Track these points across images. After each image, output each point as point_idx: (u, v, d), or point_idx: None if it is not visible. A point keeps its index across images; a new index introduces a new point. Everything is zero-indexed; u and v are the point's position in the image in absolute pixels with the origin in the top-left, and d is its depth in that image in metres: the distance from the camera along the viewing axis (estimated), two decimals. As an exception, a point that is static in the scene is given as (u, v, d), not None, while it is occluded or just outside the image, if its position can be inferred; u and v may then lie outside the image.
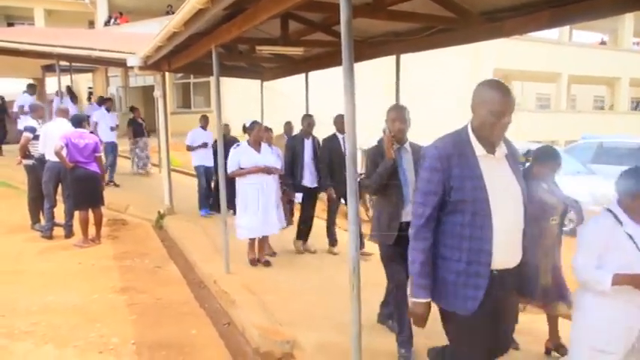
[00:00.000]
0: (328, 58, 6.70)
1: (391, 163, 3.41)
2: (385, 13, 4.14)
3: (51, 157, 6.55)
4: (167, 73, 8.20)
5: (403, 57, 5.63)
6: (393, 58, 5.72)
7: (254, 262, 5.51)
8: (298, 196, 6.41)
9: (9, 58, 11.66)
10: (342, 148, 5.61)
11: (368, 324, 3.61)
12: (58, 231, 6.85)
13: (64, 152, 6.25)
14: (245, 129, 5.50)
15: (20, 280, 5.18)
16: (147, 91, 19.25)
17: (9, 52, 10.96)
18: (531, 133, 18.45)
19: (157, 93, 8.25)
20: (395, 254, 3.38)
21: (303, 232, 6.18)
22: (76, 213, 6.50)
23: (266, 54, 6.75)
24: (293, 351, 3.67)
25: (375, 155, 3.59)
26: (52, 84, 15.04)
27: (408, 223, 2.48)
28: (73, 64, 12.67)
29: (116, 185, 10.21)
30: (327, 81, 9.71)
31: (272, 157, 5.51)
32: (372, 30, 5.39)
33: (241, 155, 5.26)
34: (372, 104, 8.74)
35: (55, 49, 9.92)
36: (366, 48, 5.68)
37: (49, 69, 14.33)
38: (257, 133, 5.36)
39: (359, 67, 2.80)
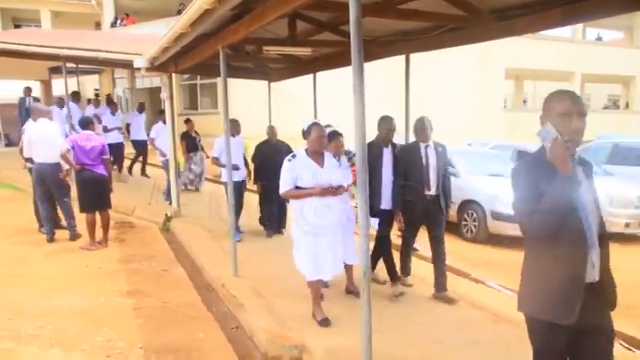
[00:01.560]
0: (336, 59, 6.65)
1: (570, 184, 2.02)
2: (394, 11, 4.08)
3: (36, 159, 6.52)
4: (174, 75, 8.18)
5: (412, 56, 5.56)
6: (401, 57, 5.66)
7: (324, 322, 4.03)
8: (373, 222, 4.79)
9: (16, 60, 11.68)
10: (424, 160, 4.67)
11: (378, 328, 3.55)
12: (65, 234, 6.83)
13: (70, 155, 6.23)
14: (304, 134, 4.16)
15: (27, 282, 5.16)
16: (153, 93, 19.28)
17: (16, 54, 10.97)
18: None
19: (164, 94, 8.23)
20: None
21: (374, 260, 4.95)
22: (84, 215, 6.48)
23: (273, 54, 6.70)
24: (302, 356, 3.62)
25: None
26: (59, 85, 15.08)
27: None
28: (80, 65, 12.66)
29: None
30: (335, 82, 9.67)
31: (339, 171, 4.17)
32: (381, 29, 5.33)
33: (299, 170, 3.96)
34: (380, 104, 8.67)
35: (61, 50, 9.92)
36: (375, 47, 5.62)
37: (55, 71, 14.39)
38: (318, 140, 4.00)
39: (366, 66, 2.74)
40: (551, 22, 3.96)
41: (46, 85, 17.77)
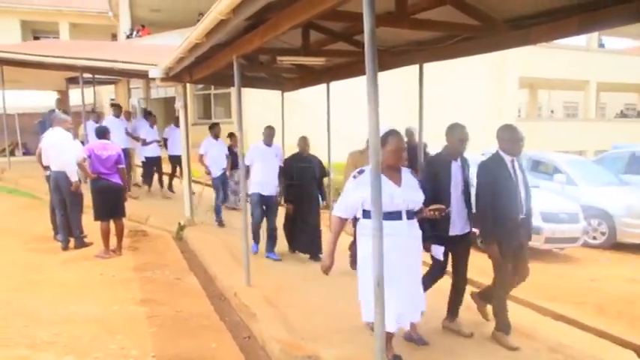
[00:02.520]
0: (350, 68, 6.66)
1: None
2: (408, 21, 4.07)
3: (52, 167, 6.63)
4: (188, 85, 8.26)
5: (425, 65, 5.55)
6: (413, 65, 5.65)
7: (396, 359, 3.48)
8: (436, 251, 3.91)
9: (34, 70, 11.93)
10: (513, 176, 3.84)
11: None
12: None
13: (86, 164, 6.31)
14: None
15: (43, 290, 5.21)
16: (168, 103, 19.49)
17: (35, 65, 11.20)
18: (558, 143, 18.06)
19: (179, 104, 8.31)
20: None
21: (455, 306, 4.17)
22: (98, 223, 6.53)
23: (287, 64, 6.74)
24: (315, 366, 3.59)
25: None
26: (76, 96, 15.32)
27: None
28: (96, 76, 12.87)
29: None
30: (348, 91, 9.69)
31: (419, 193, 3.44)
32: (394, 39, 5.33)
33: (369, 191, 2.82)
34: (392, 112, 8.66)
35: (79, 61, 10.10)
36: (389, 57, 5.61)
37: (72, 81, 14.61)
38: (397, 152, 3.28)
39: (379, 75, 2.74)
40: (567, 30, 3.92)
41: (64, 96, 18.07)
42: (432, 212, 3.43)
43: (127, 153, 9.88)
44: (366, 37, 2.63)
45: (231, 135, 9.21)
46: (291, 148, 6.97)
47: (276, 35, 4.05)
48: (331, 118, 8.04)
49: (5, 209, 9.27)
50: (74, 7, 24.32)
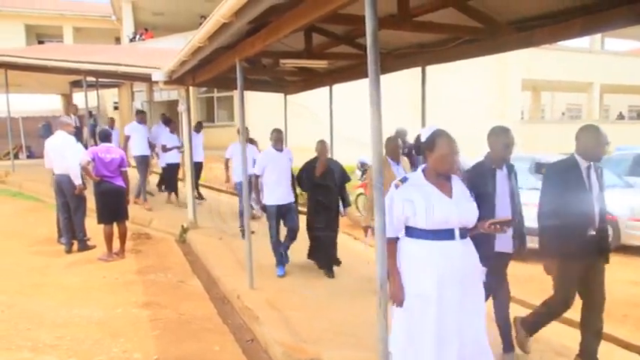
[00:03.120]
0: (352, 71, 6.67)
1: None
2: (410, 24, 4.07)
3: (55, 170, 6.67)
4: (191, 88, 8.28)
5: (428, 67, 5.55)
6: (417, 68, 5.65)
7: None
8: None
9: (38, 74, 12.01)
10: (587, 184, 3.37)
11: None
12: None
13: (90, 167, 6.33)
14: (417, 147, 2.91)
15: (46, 292, 5.22)
16: (171, 106, 19.52)
17: (39, 68, 11.27)
18: (562, 145, 18.00)
19: (182, 107, 8.32)
20: None
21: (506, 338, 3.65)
22: (101, 226, 6.55)
23: (289, 67, 6.75)
24: (318, 370, 3.58)
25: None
26: (79, 99, 15.39)
27: None
28: (100, 79, 12.94)
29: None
30: (351, 94, 9.69)
31: (472, 204, 2.78)
32: (397, 42, 5.33)
33: (414, 202, 2.65)
34: (396, 115, 8.66)
35: (82, 65, 10.15)
36: (391, 60, 5.62)
37: (76, 85, 14.70)
38: (447, 157, 2.71)
39: (382, 77, 2.74)
40: (570, 32, 3.91)
41: (67, 99, 18.17)
42: (494, 227, 2.76)
43: (147, 161, 9.78)
44: (369, 40, 2.63)
45: (251, 141, 8.25)
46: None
47: (279, 38, 4.06)
48: (334, 120, 8.05)
49: (10, 212, 9.31)
50: (78, 11, 24.47)
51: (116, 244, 6.61)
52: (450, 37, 4.91)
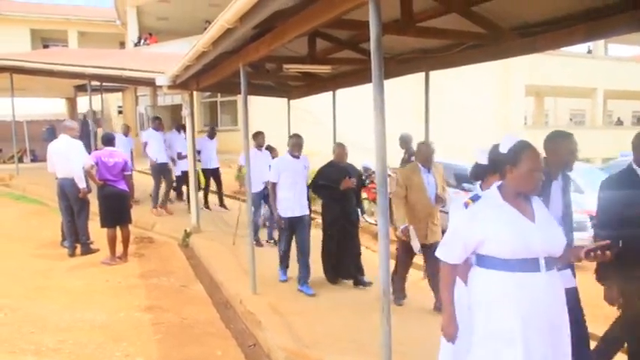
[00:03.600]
0: (356, 76, 6.68)
1: None
2: (414, 29, 4.08)
3: (58, 174, 6.68)
4: (195, 92, 8.30)
5: (431, 72, 5.56)
6: (420, 73, 5.65)
7: None
8: None
9: (43, 78, 12.07)
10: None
11: (399, 350, 3.49)
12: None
13: (94, 171, 6.35)
14: (495, 160, 2.65)
15: (50, 296, 5.22)
16: (175, 110, 19.59)
17: (44, 72, 11.33)
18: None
19: (185, 112, 8.35)
20: None
21: None
22: (104, 230, 6.56)
23: (293, 72, 6.76)
24: (320, 375, 3.57)
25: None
26: (83, 103, 15.48)
27: None
28: (104, 83, 12.99)
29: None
30: (354, 99, 9.71)
31: (555, 228, 2.35)
32: (400, 47, 5.35)
33: (489, 225, 2.25)
34: (399, 120, 8.66)
35: (87, 69, 10.21)
36: (395, 65, 5.63)
37: (81, 89, 14.77)
38: (533, 175, 2.27)
39: (386, 82, 2.75)
40: (573, 38, 3.92)
41: (72, 103, 18.27)
42: (593, 254, 2.26)
43: (166, 168, 9.48)
44: (373, 45, 2.65)
45: (270, 148, 7.88)
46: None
47: (283, 43, 4.08)
48: (337, 125, 8.06)
49: (13, 215, 9.33)
50: (83, 15, 24.65)
51: (119, 247, 6.62)
52: (453, 42, 4.92)
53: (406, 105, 13.21)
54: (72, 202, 6.69)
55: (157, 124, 9.82)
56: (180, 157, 9.34)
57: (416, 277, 5.64)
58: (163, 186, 9.42)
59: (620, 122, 29.52)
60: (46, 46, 24.63)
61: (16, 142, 13.59)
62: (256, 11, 3.54)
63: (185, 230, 7.93)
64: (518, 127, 20.14)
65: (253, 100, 11.69)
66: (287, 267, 5.61)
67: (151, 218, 8.86)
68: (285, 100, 9.09)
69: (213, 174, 9.57)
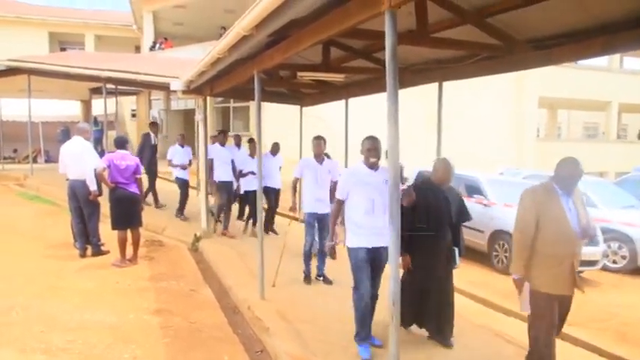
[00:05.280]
0: (369, 85, 6.70)
1: None
2: (429, 40, 4.09)
3: (70, 175, 6.76)
4: (208, 97, 8.37)
5: (444, 83, 5.55)
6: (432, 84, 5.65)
7: None
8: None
9: (60, 80, 12.25)
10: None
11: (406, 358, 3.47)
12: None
13: (106, 173, 6.42)
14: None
15: (61, 296, 5.26)
16: (188, 115, 19.74)
17: (61, 75, 11.51)
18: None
19: (199, 117, 8.41)
20: None
21: None
22: (115, 232, 6.61)
23: (306, 80, 6.80)
24: (327, 384, 3.55)
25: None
26: (98, 105, 15.65)
27: None
28: (119, 87, 13.14)
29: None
30: (366, 107, 9.72)
31: None
32: (414, 57, 5.35)
33: None
34: (411, 130, 8.64)
35: (102, 72, 10.35)
36: (408, 75, 5.63)
37: (96, 91, 14.96)
38: None
39: (399, 92, 2.76)
40: (590, 51, 3.90)
41: (86, 105, 18.50)
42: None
43: (228, 187, 8.22)
44: (388, 55, 2.66)
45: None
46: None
47: (298, 52, 4.11)
48: (349, 133, 8.07)
49: (27, 215, 9.45)
50: (100, 19, 24.99)
51: (129, 250, 6.66)
52: (467, 53, 4.91)
53: (417, 114, 13.20)
54: (82, 203, 6.76)
55: (222, 139, 8.43)
56: (241, 174, 8.26)
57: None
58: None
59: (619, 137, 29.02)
60: (63, 49, 24.98)
61: (31, 142, 13.78)
62: (272, 19, 3.58)
63: (195, 234, 7.97)
64: (530, 139, 20.02)
65: (265, 106, 11.74)
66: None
67: (161, 222, 8.90)
68: (298, 106, 9.13)
69: (275, 194, 8.29)
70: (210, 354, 4.08)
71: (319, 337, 4.22)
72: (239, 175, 8.29)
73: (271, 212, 8.45)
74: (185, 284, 5.95)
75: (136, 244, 6.74)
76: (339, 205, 4.13)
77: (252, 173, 8.01)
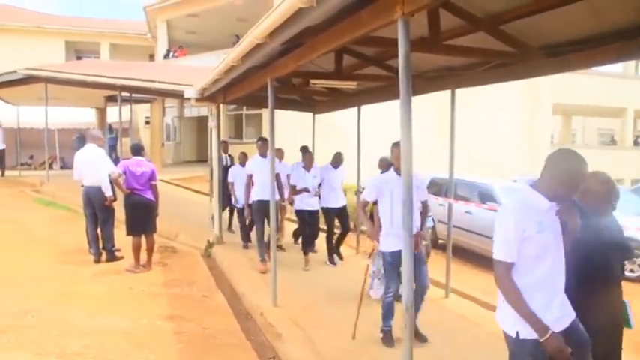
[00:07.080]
0: (381, 92, 6.71)
1: None
2: (441, 47, 4.09)
3: (85, 182, 6.86)
4: (221, 105, 8.44)
5: (457, 90, 5.54)
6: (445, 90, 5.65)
7: None
8: None
9: (76, 88, 12.46)
10: None
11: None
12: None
13: (121, 180, 6.49)
14: None
15: (76, 301, 5.32)
16: (201, 122, 19.93)
17: (77, 82, 11.70)
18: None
19: (212, 124, 8.49)
20: None
21: None
22: (129, 238, 6.68)
23: (319, 87, 6.83)
24: (340, 391, 3.54)
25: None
26: (113, 113, 15.86)
27: None
28: (133, 94, 13.33)
29: None
30: (379, 114, 9.72)
31: None
32: (427, 65, 5.36)
33: None
34: (424, 137, 8.62)
35: (118, 80, 10.51)
36: (421, 82, 5.64)
37: (111, 99, 15.19)
38: None
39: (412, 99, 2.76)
40: (605, 58, 3.88)
41: (102, 113, 18.77)
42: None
43: (265, 208, 6.05)
44: (401, 62, 2.67)
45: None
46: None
47: (311, 59, 4.14)
48: (362, 140, 8.08)
49: (43, 221, 9.59)
50: (115, 28, 25.39)
51: (143, 256, 6.72)
52: (480, 60, 4.91)
53: (429, 120, 13.17)
54: (97, 209, 6.86)
55: (263, 149, 6.84)
56: (296, 192, 7.04)
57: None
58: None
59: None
60: (79, 58, 25.44)
61: (47, 149, 13.99)
62: (286, 28, 3.62)
63: (208, 240, 8.02)
64: (544, 145, 19.84)
65: (277, 113, 11.78)
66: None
67: (174, 228, 8.96)
68: (310, 114, 9.16)
69: (338, 214, 7.15)
70: (223, 360, 4.09)
71: (331, 343, 4.21)
72: (293, 192, 7.05)
73: (343, 235, 7.26)
74: (198, 290, 5.98)
75: (150, 250, 6.80)
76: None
77: (306, 191, 6.96)
